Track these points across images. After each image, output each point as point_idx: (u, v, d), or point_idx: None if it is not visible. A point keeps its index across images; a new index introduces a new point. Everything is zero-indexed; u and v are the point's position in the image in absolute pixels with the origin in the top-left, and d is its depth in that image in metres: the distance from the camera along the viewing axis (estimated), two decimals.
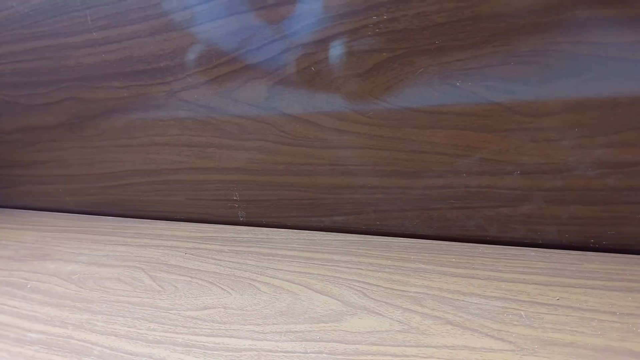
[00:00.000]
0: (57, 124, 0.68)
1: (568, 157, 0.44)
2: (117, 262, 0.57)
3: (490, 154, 0.46)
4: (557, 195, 0.46)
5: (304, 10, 0.47)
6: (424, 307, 0.41)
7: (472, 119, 0.46)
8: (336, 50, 0.48)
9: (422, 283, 0.45)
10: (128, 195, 0.69)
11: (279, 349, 0.39)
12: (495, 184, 0.47)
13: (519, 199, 0.47)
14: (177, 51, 0.55)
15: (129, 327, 0.45)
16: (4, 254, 0.64)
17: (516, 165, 0.46)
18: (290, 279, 0.49)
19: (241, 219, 0.63)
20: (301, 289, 0.47)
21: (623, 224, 0.44)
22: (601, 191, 0.44)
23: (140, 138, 0.63)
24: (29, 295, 0.53)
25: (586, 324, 0.36)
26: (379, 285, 0.45)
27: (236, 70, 0.53)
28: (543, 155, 0.45)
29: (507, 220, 0.49)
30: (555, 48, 0.41)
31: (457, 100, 0.45)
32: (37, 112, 0.69)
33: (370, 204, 0.54)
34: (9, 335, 0.46)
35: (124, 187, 0.68)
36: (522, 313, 0.39)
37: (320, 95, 0.51)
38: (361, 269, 0.48)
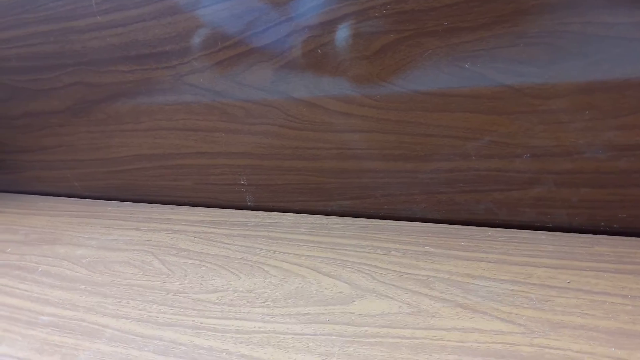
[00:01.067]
0: (64, 108, 0.68)
1: (578, 140, 0.43)
2: (126, 246, 0.58)
3: (499, 136, 0.46)
4: (567, 178, 0.45)
5: None
6: (433, 290, 0.41)
7: (481, 101, 0.45)
8: (343, 32, 0.47)
9: (430, 266, 0.45)
10: (136, 180, 0.69)
11: (289, 331, 0.39)
12: (505, 167, 0.47)
13: (528, 182, 0.47)
14: (183, 34, 0.55)
15: (139, 310, 0.45)
16: (14, 238, 0.65)
17: (526, 148, 0.45)
18: (299, 263, 0.49)
19: (249, 204, 0.63)
20: (310, 272, 0.47)
21: (634, 206, 0.44)
22: (612, 174, 0.44)
23: (147, 122, 0.63)
24: (40, 279, 0.53)
25: (597, 306, 0.36)
26: (388, 269, 0.45)
27: (242, 54, 0.53)
28: (553, 138, 0.44)
29: (517, 203, 0.48)
30: (565, 29, 0.40)
31: (466, 82, 0.45)
32: (44, 97, 0.69)
33: (378, 188, 0.54)
34: (21, 318, 0.47)
35: (132, 171, 0.68)
36: (533, 296, 0.39)
37: (326, 79, 0.50)
38: (369, 253, 0.49)
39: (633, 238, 0.44)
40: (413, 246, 0.48)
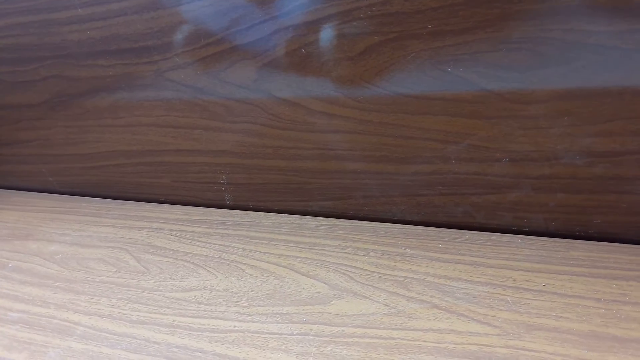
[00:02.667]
0: (41, 102, 0.67)
1: (556, 146, 0.44)
2: (101, 243, 0.56)
3: (479, 140, 0.46)
4: (544, 183, 0.46)
5: None
6: (411, 291, 0.41)
7: (463, 105, 0.45)
8: (327, 32, 0.47)
9: (408, 268, 0.45)
10: (113, 177, 0.68)
11: (265, 331, 0.39)
12: (484, 171, 0.47)
13: (506, 186, 0.47)
14: (165, 30, 0.54)
15: (112, 307, 0.44)
16: None
17: (505, 152, 0.46)
18: (277, 262, 0.48)
19: (228, 202, 0.63)
20: (288, 272, 0.46)
21: (609, 212, 0.45)
22: (588, 180, 0.44)
23: (126, 118, 0.62)
24: (10, 275, 0.52)
25: (571, 309, 0.37)
26: (366, 270, 0.45)
27: (224, 51, 0.52)
28: (532, 143, 0.45)
29: (495, 207, 0.49)
30: (547, 35, 0.41)
31: (448, 86, 0.45)
32: (21, 90, 0.67)
33: (358, 189, 0.54)
34: None
35: (109, 168, 0.67)
36: (509, 298, 0.39)
37: (309, 79, 0.50)
38: (348, 254, 0.48)
39: (607, 243, 0.45)
40: (392, 247, 0.48)
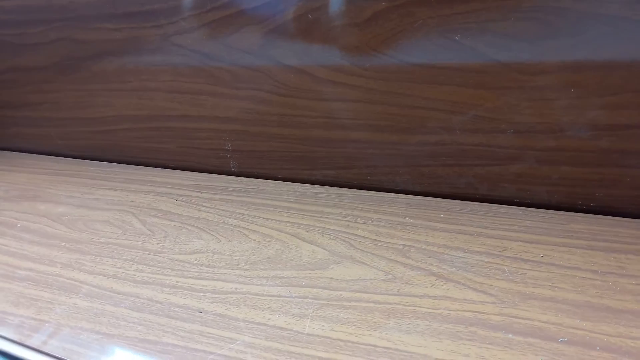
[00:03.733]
0: (49, 65, 0.67)
1: (562, 118, 0.44)
2: (107, 206, 0.57)
3: (485, 111, 0.46)
4: (548, 155, 0.46)
5: None
6: (409, 258, 0.42)
7: (470, 75, 0.45)
8: None
9: (408, 236, 0.45)
10: (120, 141, 0.69)
11: (265, 293, 0.40)
12: (488, 142, 0.47)
13: (510, 158, 0.47)
14: None
15: (117, 267, 0.45)
16: None
17: (510, 124, 0.46)
18: (280, 228, 0.49)
19: (233, 169, 0.63)
20: (290, 238, 0.47)
21: (612, 186, 0.45)
22: (592, 153, 0.44)
23: (133, 82, 0.62)
24: (19, 234, 0.53)
25: (567, 280, 0.37)
26: (366, 237, 0.46)
27: (231, 15, 0.52)
28: (537, 115, 0.44)
29: (498, 179, 0.49)
30: (557, 5, 0.40)
31: (455, 55, 0.45)
32: (29, 52, 0.67)
33: (362, 159, 0.54)
34: None
35: (116, 132, 0.68)
36: (506, 268, 0.39)
37: (316, 46, 0.50)
38: (350, 222, 0.49)
39: (608, 217, 0.45)
40: (393, 217, 0.49)
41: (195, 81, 0.58)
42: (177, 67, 0.58)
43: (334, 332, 0.35)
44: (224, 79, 0.56)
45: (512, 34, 0.42)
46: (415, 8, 0.44)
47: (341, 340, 0.34)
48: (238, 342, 0.35)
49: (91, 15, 0.60)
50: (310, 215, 0.51)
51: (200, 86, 0.58)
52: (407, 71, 0.47)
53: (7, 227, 0.55)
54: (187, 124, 0.62)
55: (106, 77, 0.63)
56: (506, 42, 0.42)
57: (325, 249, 0.45)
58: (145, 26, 0.57)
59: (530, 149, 0.46)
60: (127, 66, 0.61)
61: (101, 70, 0.63)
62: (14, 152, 0.80)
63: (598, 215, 0.45)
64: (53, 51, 0.65)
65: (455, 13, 0.43)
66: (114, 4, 0.57)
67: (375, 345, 0.33)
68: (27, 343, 0.37)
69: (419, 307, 0.36)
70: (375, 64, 0.48)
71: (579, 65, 0.41)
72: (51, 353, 0.36)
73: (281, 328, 0.36)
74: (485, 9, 0.42)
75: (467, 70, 0.45)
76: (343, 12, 0.47)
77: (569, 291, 0.36)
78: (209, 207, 0.55)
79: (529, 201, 0.49)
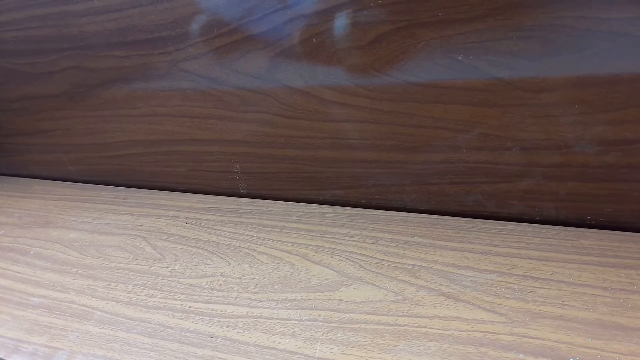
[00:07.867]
0: (60, 92, 0.68)
1: (567, 134, 0.44)
2: (118, 231, 0.58)
3: (490, 129, 0.46)
4: (555, 171, 0.46)
5: None
6: (419, 279, 0.42)
7: (473, 93, 0.45)
8: (338, 21, 0.47)
9: (417, 256, 0.45)
10: (130, 166, 0.70)
11: (275, 316, 0.40)
12: (495, 160, 0.47)
13: (517, 174, 0.47)
14: (179, 20, 0.55)
15: (129, 293, 0.46)
16: (8, 220, 0.65)
17: (516, 141, 0.46)
18: (289, 250, 0.49)
19: (242, 191, 0.64)
20: (299, 260, 0.47)
21: (620, 201, 0.44)
22: (599, 168, 0.44)
23: (142, 108, 0.63)
24: (32, 261, 0.54)
25: (578, 298, 0.37)
26: (375, 257, 0.46)
27: (238, 41, 0.53)
28: (543, 132, 0.44)
29: (505, 196, 0.49)
30: (558, 23, 0.40)
31: (459, 74, 0.45)
32: (41, 81, 0.69)
33: (369, 178, 0.54)
34: (12, 299, 0.47)
35: (126, 157, 0.69)
36: (515, 287, 0.39)
37: (321, 68, 0.50)
38: (358, 242, 0.49)
39: (618, 232, 0.45)
40: (401, 236, 0.49)
41: (203, 105, 0.59)
42: (185, 92, 0.59)
43: (344, 356, 0.35)
44: (231, 102, 0.57)
45: (514, 52, 0.42)
46: (417, 29, 0.45)
47: None
48: None
49: (101, 43, 0.61)
50: (319, 236, 0.51)
51: (208, 110, 0.59)
52: (412, 91, 0.47)
53: (20, 254, 0.55)
54: (196, 148, 0.63)
55: (116, 103, 0.65)
56: (509, 61, 0.43)
57: (335, 270, 0.45)
58: (154, 53, 0.58)
59: (537, 165, 0.46)
60: (137, 92, 0.62)
61: (111, 96, 0.64)
62: (27, 179, 0.81)
63: (608, 231, 0.45)
64: (64, 79, 0.67)
65: (457, 33, 0.43)
66: (122, 33, 0.58)
67: None
68: None
69: (429, 328, 0.36)
70: (380, 85, 0.49)
71: (582, 81, 0.41)
72: None
73: (292, 352, 0.36)
74: (487, 29, 0.42)
75: (470, 88, 0.45)
76: (347, 35, 0.47)
77: (580, 309, 0.36)
78: (219, 230, 0.55)
79: (537, 217, 0.48)
